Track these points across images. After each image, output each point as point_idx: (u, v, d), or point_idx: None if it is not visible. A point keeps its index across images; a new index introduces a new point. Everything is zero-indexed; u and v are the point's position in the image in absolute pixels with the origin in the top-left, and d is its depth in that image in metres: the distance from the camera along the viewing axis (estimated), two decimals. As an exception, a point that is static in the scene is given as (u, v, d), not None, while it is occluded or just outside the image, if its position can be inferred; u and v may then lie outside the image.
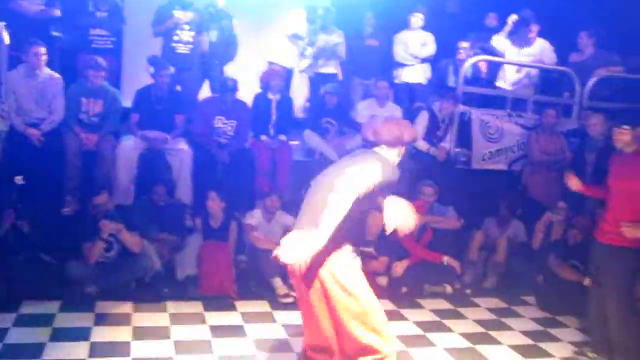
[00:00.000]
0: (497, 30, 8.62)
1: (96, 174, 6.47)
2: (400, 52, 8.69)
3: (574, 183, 5.13)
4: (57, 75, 6.54)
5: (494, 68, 8.59)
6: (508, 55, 8.38)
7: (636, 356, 4.84)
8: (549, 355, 5.21)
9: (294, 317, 5.47)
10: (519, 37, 8.36)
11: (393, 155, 3.67)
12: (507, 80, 8.44)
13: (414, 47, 8.66)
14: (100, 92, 6.58)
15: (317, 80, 8.48)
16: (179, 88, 7.38)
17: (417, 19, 8.63)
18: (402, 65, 8.73)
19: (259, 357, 4.73)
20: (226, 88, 6.88)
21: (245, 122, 7.00)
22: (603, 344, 4.93)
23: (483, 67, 8.51)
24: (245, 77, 7.70)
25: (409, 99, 8.63)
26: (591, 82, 8.01)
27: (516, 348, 5.29)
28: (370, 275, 4.26)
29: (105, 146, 6.49)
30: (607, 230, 4.81)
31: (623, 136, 4.72)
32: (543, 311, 6.20)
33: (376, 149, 3.67)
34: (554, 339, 5.57)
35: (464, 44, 8.35)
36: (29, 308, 5.16)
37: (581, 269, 6.02)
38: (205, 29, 7.70)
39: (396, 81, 8.64)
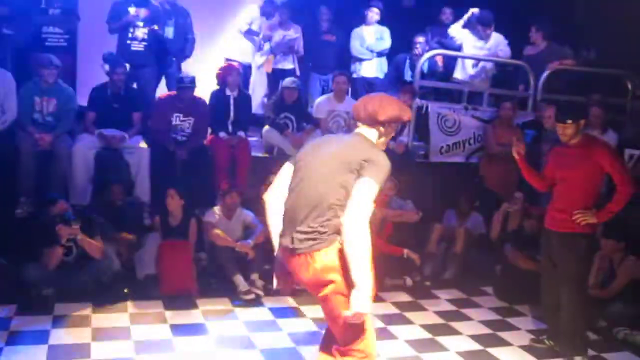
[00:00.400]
0: (451, 25, 8.73)
1: (52, 175, 6.36)
2: (357, 46, 8.75)
3: (517, 147, 5.17)
4: (8, 74, 6.41)
5: (450, 62, 8.69)
6: (467, 45, 8.46)
7: (583, 343, 4.96)
8: (507, 344, 5.30)
9: (256, 314, 5.50)
10: (476, 31, 8.47)
11: (372, 136, 3.32)
12: (466, 72, 8.53)
13: (370, 41, 8.72)
14: (54, 91, 6.46)
15: (275, 76, 8.48)
16: (135, 85, 7.31)
17: (374, 14, 8.70)
18: (360, 59, 8.79)
19: (221, 355, 4.71)
20: (183, 85, 6.82)
21: (203, 119, 6.95)
22: (559, 332, 5.04)
23: (439, 61, 8.60)
24: (203, 73, 7.65)
25: (367, 93, 8.65)
26: (545, 75, 8.17)
27: (476, 338, 5.36)
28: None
29: (61, 146, 6.38)
30: (557, 218, 4.91)
31: (567, 130, 4.80)
32: (501, 301, 6.29)
33: (357, 129, 3.36)
34: (512, 327, 5.67)
35: (420, 39, 8.44)
36: (-17, 312, 5.06)
37: (537, 258, 6.14)
38: (161, 26, 7.62)
39: (354, 76, 8.68)
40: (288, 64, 8.57)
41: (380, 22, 8.81)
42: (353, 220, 3.01)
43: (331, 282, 3.14)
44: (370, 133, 3.33)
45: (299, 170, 3.32)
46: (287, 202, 3.32)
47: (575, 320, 4.89)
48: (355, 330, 3.19)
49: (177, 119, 6.84)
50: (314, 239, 3.14)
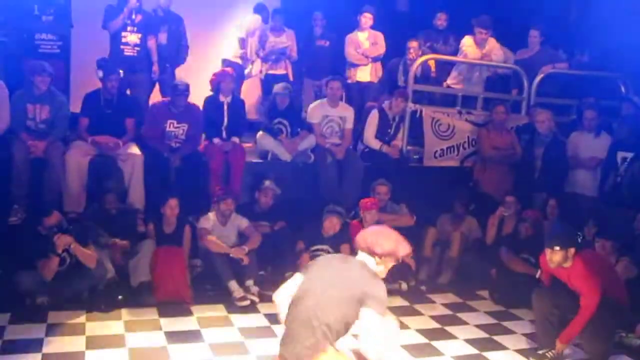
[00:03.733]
0: (446, 30, 8.76)
1: (45, 182, 6.33)
2: (351, 52, 8.74)
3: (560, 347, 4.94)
4: (0, 81, 6.38)
5: (444, 67, 8.69)
6: (471, 55, 8.46)
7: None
8: (503, 347, 5.29)
9: (251, 321, 5.48)
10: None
11: (372, 264, 3.54)
12: (461, 76, 8.53)
13: (365, 46, 8.73)
14: (47, 98, 6.43)
15: (268, 82, 8.48)
16: (128, 92, 7.29)
17: (367, 19, 8.70)
18: (354, 65, 8.79)
19: (216, 362, 4.70)
20: (177, 91, 6.80)
21: (197, 125, 6.94)
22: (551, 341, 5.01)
23: (432, 66, 8.61)
24: (197, 79, 7.64)
25: (360, 98, 8.68)
26: (538, 78, 8.18)
27: (472, 342, 5.35)
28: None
29: (54, 153, 6.34)
30: None
31: (554, 256, 4.65)
32: (497, 305, 6.29)
33: (358, 256, 3.56)
34: (508, 331, 5.66)
35: (414, 44, 8.44)
36: (-23, 321, 5.03)
37: (532, 261, 6.14)
38: (154, 32, 7.61)
39: (348, 81, 8.69)
40: (280, 70, 8.58)
41: (374, 27, 8.82)
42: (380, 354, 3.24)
43: None
44: (370, 261, 3.52)
45: (305, 286, 3.46)
46: (289, 314, 3.46)
47: (609, 331, 4.85)
48: None
49: (171, 126, 6.83)
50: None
